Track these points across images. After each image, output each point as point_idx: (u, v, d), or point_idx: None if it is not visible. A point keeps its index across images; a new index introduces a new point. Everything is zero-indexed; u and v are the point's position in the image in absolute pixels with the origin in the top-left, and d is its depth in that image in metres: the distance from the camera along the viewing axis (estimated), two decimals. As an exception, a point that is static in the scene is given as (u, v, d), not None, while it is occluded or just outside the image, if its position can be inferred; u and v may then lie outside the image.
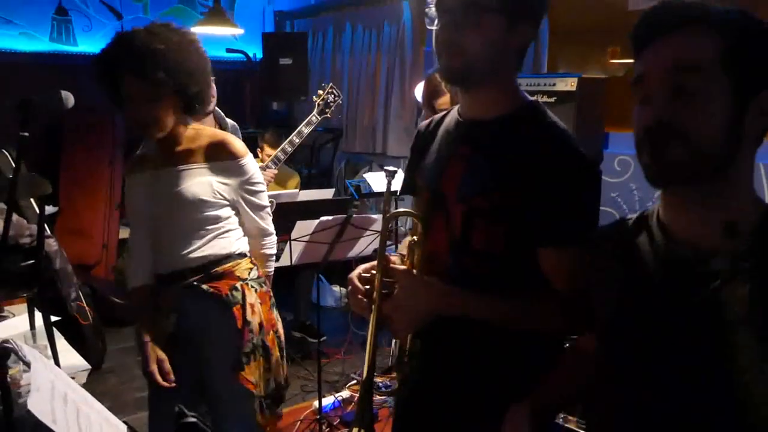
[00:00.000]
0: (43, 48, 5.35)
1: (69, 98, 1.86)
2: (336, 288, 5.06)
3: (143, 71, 1.79)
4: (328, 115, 3.52)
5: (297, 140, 3.44)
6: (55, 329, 2.73)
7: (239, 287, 2.00)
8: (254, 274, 2.07)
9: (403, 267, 1.26)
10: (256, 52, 6.27)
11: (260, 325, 2.02)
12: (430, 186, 1.30)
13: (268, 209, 2.13)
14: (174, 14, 5.90)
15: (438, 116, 1.44)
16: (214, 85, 2.57)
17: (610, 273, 1.07)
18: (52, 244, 2.79)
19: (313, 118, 3.45)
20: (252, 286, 2.04)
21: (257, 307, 2.02)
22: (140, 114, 1.86)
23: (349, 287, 1.27)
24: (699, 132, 0.90)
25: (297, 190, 3.98)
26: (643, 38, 0.96)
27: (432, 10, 1.25)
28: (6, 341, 1.23)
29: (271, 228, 2.15)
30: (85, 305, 3.39)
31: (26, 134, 1.67)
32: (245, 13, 6.19)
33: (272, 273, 2.21)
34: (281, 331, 2.15)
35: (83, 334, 3.54)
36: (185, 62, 1.85)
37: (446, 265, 1.29)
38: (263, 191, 2.09)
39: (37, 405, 0.97)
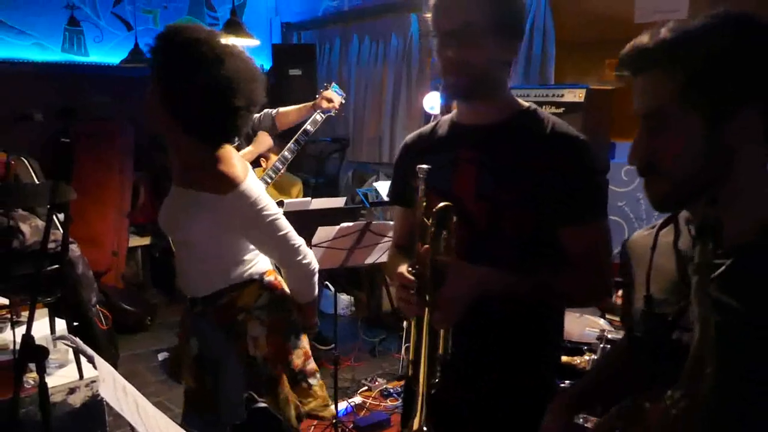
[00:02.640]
0: (55, 58, 5.42)
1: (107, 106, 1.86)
2: (344, 296, 5.10)
3: (168, 73, 1.78)
4: (332, 113, 3.51)
5: (303, 139, 3.42)
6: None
7: (242, 320, 1.92)
8: (263, 301, 1.95)
9: (450, 257, 1.32)
10: (263, 63, 6.35)
11: (264, 358, 1.93)
12: (440, 190, 1.38)
13: (286, 234, 1.89)
14: (183, 25, 5.98)
15: (425, 128, 1.56)
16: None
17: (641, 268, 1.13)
18: (74, 249, 2.84)
19: (318, 116, 3.43)
20: (257, 317, 1.93)
21: (262, 340, 1.93)
22: (151, 111, 1.83)
23: (398, 284, 1.30)
24: (674, 165, 0.97)
25: (309, 198, 4.03)
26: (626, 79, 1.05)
27: (432, 34, 1.38)
28: (63, 337, 1.28)
29: (294, 255, 1.91)
30: (104, 310, 3.44)
31: (68, 140, 1.71)
32: (253, 25, 6.25)
33: (311, 303, 2.02)
34: (297, 362, 2.00)
35: (97, 340, 3.57)
36: (175, 66, 1.76)
37: (469, 258, 1.37)
38: (278, 217, 1.87)
39: (106, 393, 1.02)
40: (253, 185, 1.85)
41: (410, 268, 1.29)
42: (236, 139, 2.23)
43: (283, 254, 1.91)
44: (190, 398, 2.04)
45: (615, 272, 1.32)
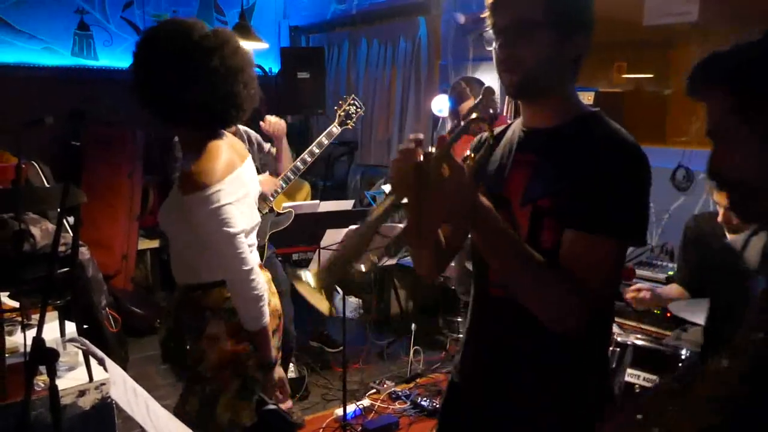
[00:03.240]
0: (64, 62, 5.46)
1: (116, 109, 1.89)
2: (352, 299, 5.10)
3: (160, 68, 1.85)
4: (349, 126, 3.52)
5: (317, 150, 3.41)
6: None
7: (206, 316, 1.93)
8: (229, 304, 1.91)
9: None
10: (271, 66, 6.37)
11: (219, 359, 1.92)
12: (492, 191, 1.33)
13: (238, 254, 1.82)
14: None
15: (499, 129, 1.50)
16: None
17: None
18: (84, 252, 2.85)
19: (334, 128, 3.41)
20: (222, 317, 1.92)
21: (223, 340, 1.91)
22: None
23: (402, 148, 1.17)
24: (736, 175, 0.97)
25: (317, 201, 4.04)
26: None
27: (489, 33, 1.32)
28: (74, 339, 1.29)
29: (239, 276, 1.83)
30: (114, 313, 3.46)
31: (78, 144, 1.73)
32: (261, 28, 6.28)
33: (260, 333, 1.89)
34: (249, 365, 1.94)
35: (106, 343, 3.59)
36: (143, 72, 1.85)
37: None
38: (229, 231, 1.80)
39: (117, 395, 1.02)
40: (224, 193, 1.80)
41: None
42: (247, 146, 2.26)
43: (231, 273, 1.84)
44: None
45: (604, 302, 1.22)
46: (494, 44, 1.31)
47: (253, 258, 1.90)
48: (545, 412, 1.35)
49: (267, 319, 1.89)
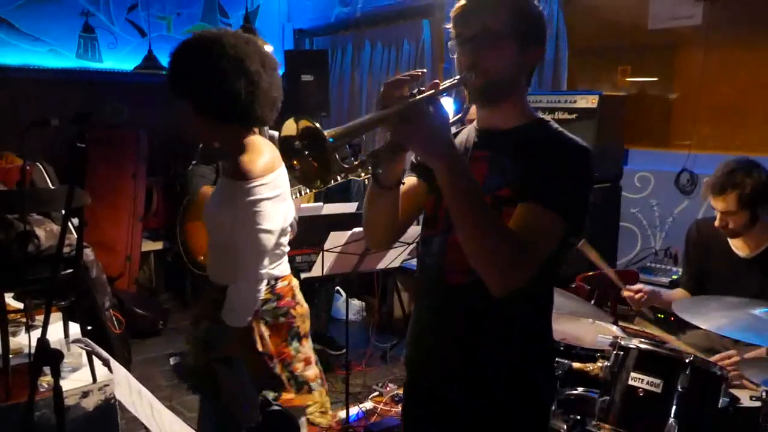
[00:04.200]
0: (69, 64, 5.48)
1: (123, 111, 1.91)
2: (356, 301, 5.10)
3: (174, 92, 1.91)
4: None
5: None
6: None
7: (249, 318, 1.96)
8: (271, 305, 2.00)
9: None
10: (275, 69, 6.38)
11: (270, 355, 1.99)
12: None
13: (257, 255, 1.89)
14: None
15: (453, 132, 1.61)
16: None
17: None
18: (89, 254, 2.86)
19: None
20: (263, 318, 1.98)
21: (267, 340, 1.98)
22: (189, 125, 1.96)
23: (399, 76, 1.33)
24: None
25: (321, 203, 4.04)
26: None
27: (453, 42, 1.45)
28: (79, 340, 1.29)
29: (244, 278, 1.89)
30: (118, 315, 3.47)
31: (83, 146, 1.73)
32: (265, 31, 6.30)
33: (236, 323, 1.92)
34: (296, 365, 2.05)
35: (110, 344, 3.59)
36: (196, 74, 1.87)
37: None
38: (260, 228, 1.87)
39: (122, 396, 1.02)
40: (264, 188, 1.87)
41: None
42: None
43: (239, 269, 1.89)
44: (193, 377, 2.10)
45: (533, 266, 1.29)
46: (456, 53, 1.44)
47: (282, 268, 2.02)
48: (506, 395, 1.46)
49: (241, 322, 1.93)
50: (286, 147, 1.17)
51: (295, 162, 1.17)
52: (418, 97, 1.27)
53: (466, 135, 1.57)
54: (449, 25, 1.45)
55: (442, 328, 1.50)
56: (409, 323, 1.65)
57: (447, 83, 1.36)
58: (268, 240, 1.89)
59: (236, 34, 1.95)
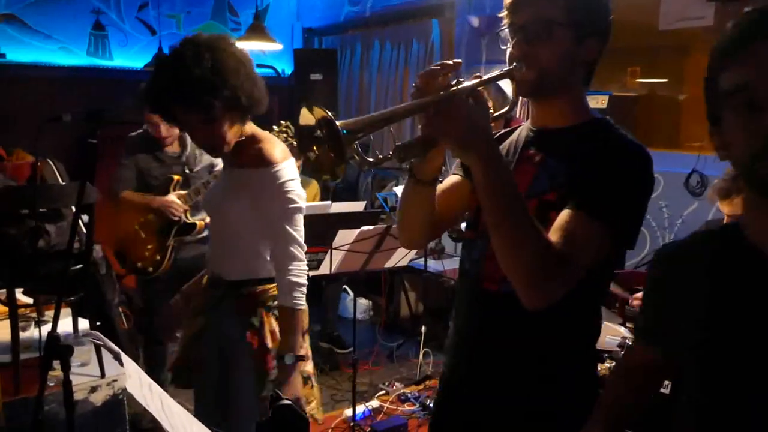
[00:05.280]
0: (80, 62, 5.51)
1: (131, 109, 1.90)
2: (363, 300, 5.11)
3: (191, 101, 1.81)
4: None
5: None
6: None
7: (259, 313, 1.97)
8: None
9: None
10: (284, 67, 6.40)
11: (278, 352, 1.94)
12: None
13: (300, 239, 1.91)
14: (206, 30, 6.00)
15: (502, 131, 1.52)
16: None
17: (698, 292, 1.03)
18: (98, 250, 2.87)
19: None
20: (275, 314, 1.98)
21: (276, 335, 1.96)
22: (201, 137, 1.91)
23: (429, 69, 1.22)
24: None
25: (329, 202, 4.05)
26: (740, 43, 0.94)
27: (505, 32, 1.34)
28: (91, 334, 1.30)
29: (302, 255, 1.92)
30: (126, 311, 3.48)
31: (94, 142, 1.74)
32: (275, 30, 6.31)
33: (299, 307, 1.90)
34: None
35: (118, 340, 3.61)
36: (228, 76, 1.82)
37: None
38: (299, 212, 1.91)
39: (133, 389, 1.03)
40: (289, 170, 1.91)
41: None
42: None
43: (280, 250, 1.90)
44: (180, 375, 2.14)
45: (571, 280, 1.18)
46: (509, 43, 1.33)
47: None
48: (541, 404, 1.36)
49: (302, 306, 1.91)
50: (303, 135, 1.12)
51: (312, 150, 1.11)
52: (457, 87, 1.17)
53: (518, 133, 1.46)
54: (503, 13, 1.34)
55: (477, 336, 1.42)
56: (449, 331, 1.55)
57: (492, 74, 1.27)
58: (300, 219, 1.92)
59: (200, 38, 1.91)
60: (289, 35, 6.59)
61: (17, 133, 4.30)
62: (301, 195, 1.93)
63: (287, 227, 1.88)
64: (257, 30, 4.41)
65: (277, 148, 1.94)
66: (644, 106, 3.92)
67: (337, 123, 1.04)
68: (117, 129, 5.05)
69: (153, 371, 3.42)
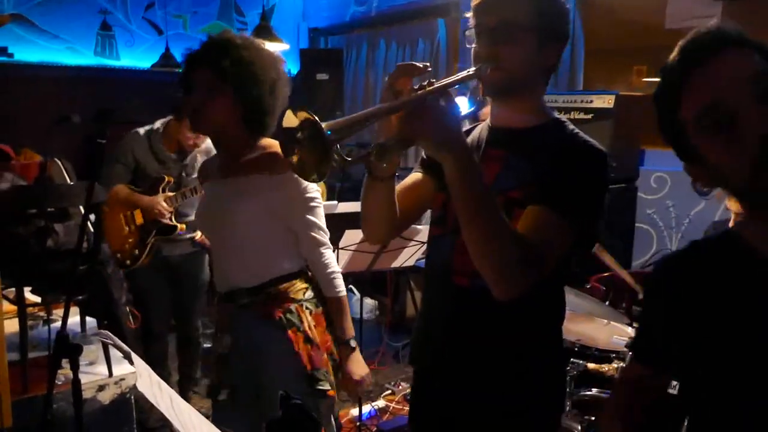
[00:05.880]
0: (87, 62, 5.54)
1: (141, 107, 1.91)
2: (369, 300, 5.11)
3: (210, 59, 1.86)
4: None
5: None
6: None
7: (294, 309, 1.94)
8: (309, 294, 1.99)
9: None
10: (290, 68, 6.40)
11: (317, 346, 1.95)
12: None
13: (324, 227, 1.97)
14: (212, 30, 6.04)
15: (465, 129, 1.56)
16: None
17: (704, 301, 1.02)
18: (105, 249, 2.88)
19: None
20: (307, 308, 1.97)
21: (314, 331, 1.95)
22: (195, 99, 1.90)
23: (400, 67, 1.27)
24: None
25: (335, 202, 4.05)
26: (685, 72, 0.97)
27: (471, 32, 1.40)
28: (100, 333, 1.31)
29: (327, 240, 1.97)
30: (134, 310, 3.49)
31: (103, 141, 1.76)
32: (281, 30, 6.33)
33: (342, 293, 1.98)
34: (336, 352, 2.03)
35: (126, 339, 3.62)
36: (254, 65, 1.86)
37: None
38: (319, 206, 1.96)
39: (144, 388, 1.04)
40: None
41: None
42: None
43: (311, 245, 1.94)
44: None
45: (541, 272, 1.23)
46: (474, 44, 1.39)
47: None
48: (513, 398, 1.42)
49: (343, 291, 1.97)
50: (286, 138, 1.14)
51: (295, 152, 1.13)
52: (429, 89, 1.22)
53: (478, 132, 1.52)
54: (469, 14, 1.40)
55: (448, 330, 1.46)
56: (415, 322, 1.61)
57: (460, 75, 1.32)
58: (323, 212, 1.96)
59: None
60: (295, 35, 6.60)
61: (25, 132, 4.32)
62: (319, 195, 1.96)
63: (310, 217, 1.92)
64: (263, 30, 4.42)
65: None
66: (650, 105, 3.90)
67: (322, 124, 1.06)
68: (125, 128, 5.09)
69: (153, 367, 3.48)
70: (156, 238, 3.36)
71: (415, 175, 1.57)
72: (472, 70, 1.34)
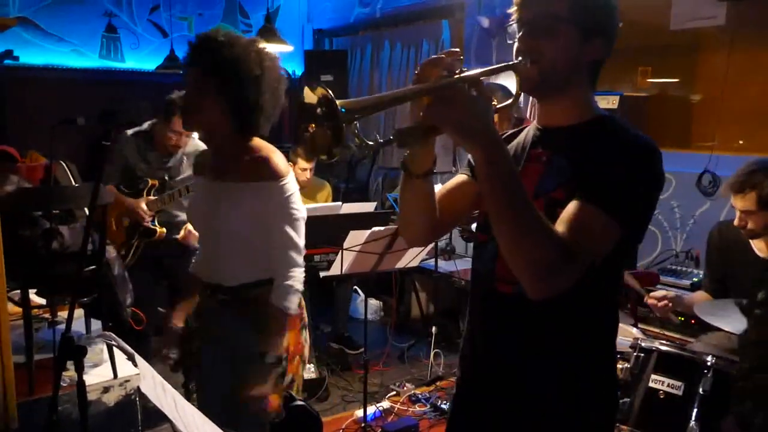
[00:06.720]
0: (92, 64, 5.56)
1: (147, 110, 1.92)
2: (373, 301, 5.11)
3: (198, 59, 1.88)
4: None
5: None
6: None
7: (269, 314, 1.95)
8: None
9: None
10: (295, 69, 6.42)
11: (287, 349, 1.97)
12: None
13: (301, 244, 1.97)
14: (217, 32, 6.09)
15: (510, 131, 1.52)
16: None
17: None
18: (111, 251, 2.89)
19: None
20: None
21: (287, 335, 1.97)
22: (186, 99, 1.94)
23: (432, 58, 1.22)
24: None
25: (340, 203, 4.06)
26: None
27: (513, 27, 1.33)
28: (104, 335, 1.31)
29: (301, 260, 1.97)
30: (139, 311, 3.50)
31: (108, 143, 1.76)
32: (285, 31, 6.34)
33: (291, 312, 1.95)
34: (306, 354, 2.09)
35: (130, 341, 3.62)
36: (238, 63, 1.85)
37: None
38: (301, 219, 1.97)
39: (147, 390, 1.04)
40: (291, 184, 1.96)
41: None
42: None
43: (282, 262, 1.94)
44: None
45: (577, 271, 1.16)
46: (516, 37, 1.32)
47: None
48: (557, 405, 1.35)
49: (294, 311, 1.96)
50: (304, 113, 1.12)
51: (310, 127, 1.09)
52: (460, 75, 1.16)
53: (525, 134, 1.46)
54: (512, 9, 1.33)
55: (494, 341, 1.41)
56: (464, 331, 1.54)
57: (495, 66, 1.26)
58: (302, 228, 1.98)
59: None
60: (300, 37, 6.61)
61: (31, 134, 4.34)
62: (302, 207, 1.99)
63: (290, 233, 1.93)
64: (268, 32, 4.43)
65: (282, 161, 1.97)
66: (655, 106, 3.90)
67: (337, 102, 1.03)
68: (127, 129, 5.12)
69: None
70: (139, 240, 3.46)
71: (460, 177, 1.52)
72: (507, 63, 1.28)
